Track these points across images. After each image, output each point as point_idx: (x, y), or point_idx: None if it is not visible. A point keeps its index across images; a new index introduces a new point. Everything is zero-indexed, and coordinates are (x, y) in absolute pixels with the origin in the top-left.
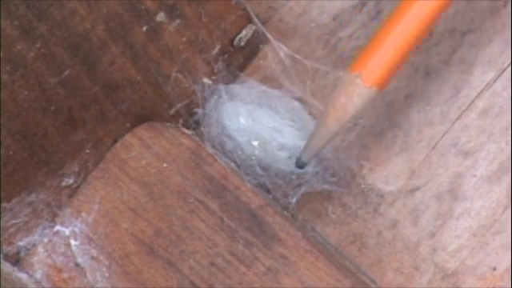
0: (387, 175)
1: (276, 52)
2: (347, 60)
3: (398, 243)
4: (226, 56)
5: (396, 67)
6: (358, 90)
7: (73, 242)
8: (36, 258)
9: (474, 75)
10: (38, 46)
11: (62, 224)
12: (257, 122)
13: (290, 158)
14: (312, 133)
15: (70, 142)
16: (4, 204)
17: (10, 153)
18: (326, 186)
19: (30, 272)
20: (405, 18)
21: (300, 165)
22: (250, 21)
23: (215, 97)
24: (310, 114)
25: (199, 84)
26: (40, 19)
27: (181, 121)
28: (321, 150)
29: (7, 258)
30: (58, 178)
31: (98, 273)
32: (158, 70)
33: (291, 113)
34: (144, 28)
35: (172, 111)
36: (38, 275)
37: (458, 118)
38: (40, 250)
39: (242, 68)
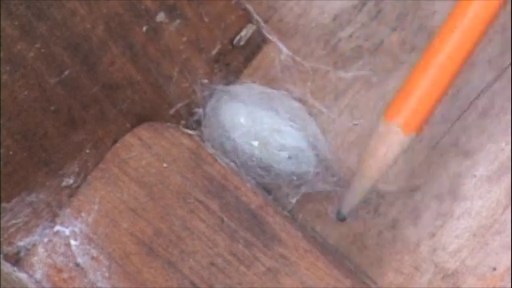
0: (387, 175)
1: (276, 52)
2: (347, 60)
3: (398, 243)
4: (226, 56)
5: (434, 109)
6: (398, 138)
7: (73, 242)
8: (36, 258)
9: (474, 75)
10: (37, 46)
11: (62, 224)
12: (257, 122)
13: (290, 158)
14: (352, 184)
15: (70, 142)
16: (4, 204)
17: (10, 153)
18: (326, 186)
19: (30, 272)
20: (440, 54)
21: (341, 218)
22: (249, 21)
23: (215, 97)
24: (310, 114)
25: (199, 84)
26: (40, 19)
27: (182, 121)
28: (361, 201)
29: (7, 258)
30: (58, 178)
31: (98, 273)
32: (158, 70)
33: (291, 113)
34: (144, 28)
35: (172, 111)
36: (38, 275)
37: (458, 118)
38: (40, 249)
39: (242, 68)
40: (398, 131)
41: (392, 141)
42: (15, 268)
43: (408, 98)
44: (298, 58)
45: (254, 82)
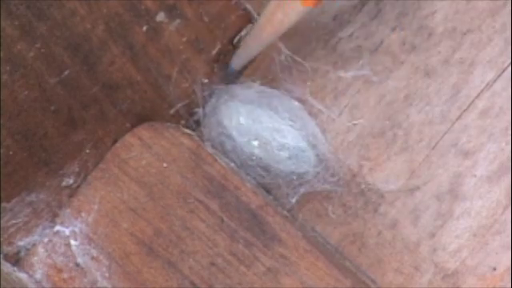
0: (387, 175)
1: (276, 52)
2: (347, 60)
3: (398, 243)
4: (226, 56)
5: None
6: (296, 8)
7: (73, 242)
8: (36, 258)
9: (474, 75)
10: (37, 45)
11: (62, 224)
12: (257, 121)
13: (290, 158)
14: (245, 43)
15: (70, 142)
16: (4, 204)
17: (10, 153)
18: (326, 186)
19: (30, 272)
20: None
21: (230, 72)
22: (250, 20)
23: (215, 97)
24: (310, 113)
25: (199, 84)
26: (40, 19)
27: (182, 121)
28: (252, 58)
29: (7, 258)
30: (58, 178)
31: (98, 273)
32: (158, 70)
33: (291, 113)
34: (144, 28)
35: (172, 111)
36: (38, 275)
37: (458, 118)
38: (40, 249)
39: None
40: (296, 1)
41: (290, 9)
42: (15, 268)
43: None
44: (297, 58)
45: (253, 81)
